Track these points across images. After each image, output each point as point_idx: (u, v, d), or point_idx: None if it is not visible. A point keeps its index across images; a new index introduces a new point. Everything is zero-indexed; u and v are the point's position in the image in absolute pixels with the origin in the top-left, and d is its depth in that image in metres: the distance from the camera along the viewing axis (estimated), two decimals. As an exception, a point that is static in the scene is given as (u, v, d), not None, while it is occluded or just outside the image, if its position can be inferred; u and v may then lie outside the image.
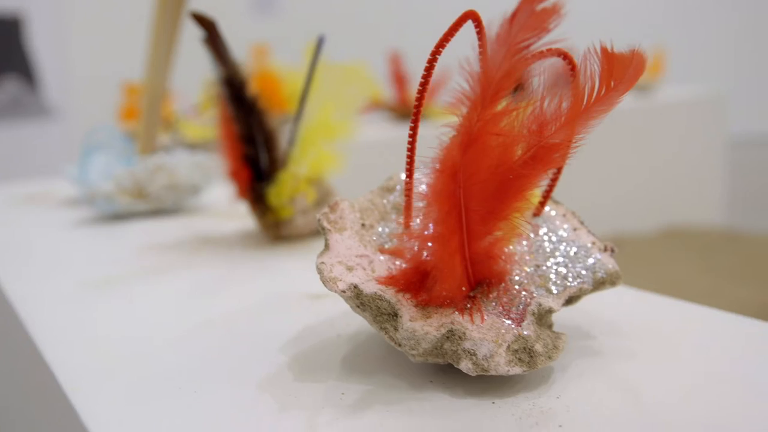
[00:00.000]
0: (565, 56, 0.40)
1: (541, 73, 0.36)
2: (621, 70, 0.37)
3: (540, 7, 0.32)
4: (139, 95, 1.35)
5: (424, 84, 0.38)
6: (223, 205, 0.91)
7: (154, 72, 0.93)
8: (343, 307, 0.51)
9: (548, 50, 0.38)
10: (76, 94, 3.12)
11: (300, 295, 0.55)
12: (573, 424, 0.34)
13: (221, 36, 0.66)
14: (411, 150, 0.40)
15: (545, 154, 0.37)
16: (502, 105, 0.34)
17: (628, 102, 2.57)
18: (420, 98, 0.39)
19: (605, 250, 0.43)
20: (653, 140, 2.58)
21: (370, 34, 3.71)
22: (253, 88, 0.68)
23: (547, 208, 0.46)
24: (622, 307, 0.50)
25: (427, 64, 0.38)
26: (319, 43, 0.67)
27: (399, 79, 2.14)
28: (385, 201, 0.45)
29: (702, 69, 4.43)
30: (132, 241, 0.78)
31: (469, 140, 0.34)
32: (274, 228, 0.71)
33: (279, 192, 0.69)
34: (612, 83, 0.37)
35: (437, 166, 0.35)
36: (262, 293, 0.57)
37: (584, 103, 0.37)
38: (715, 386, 0.38)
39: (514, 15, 0.32)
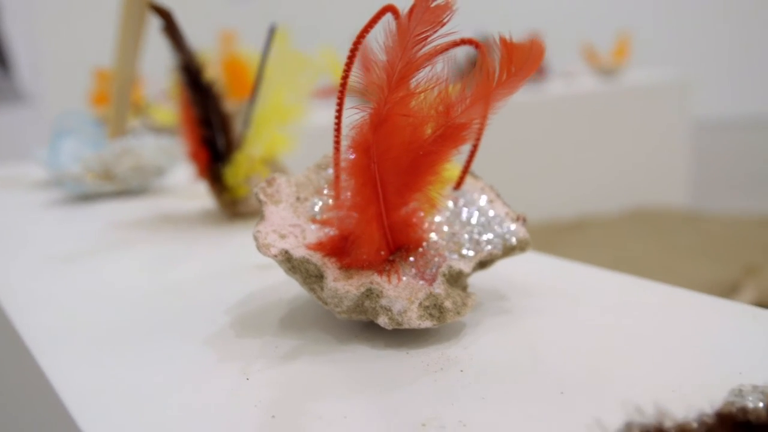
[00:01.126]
0: (476, 45, 0.45)
1: (448, 60, 0.41)
2: (520, 58, 0.42)
3: (434, 4, 0.37)
4: (109, 81, 1.38)
5: (347, 70, 0.43)
6: (185, 186, 0.96)
7: (123, 58, 0.97)
8: (287, 276, 0.56)
9: (462, 40, 0.43)
10: (49, 79, 3.13)
11: (250, 265, 0.60)
12: (472, 368, 0.39)
13: (178, 25, 0.71)
14: (338, 128, 0.44)
15: (453, 133, 0.42)
16: (408, 90, 0.39)
17: (594, 86, 2.63)
18: (344, 83, 0.43)
19: (517, 219, 0.48)
20: (619, 123, 2.64)
21: (339, 20, 3.75)
22: (209, 74, 0.73)
23: (467, 182, 0.50)
24: (539, 272, 0.55)
25: (349, 53, 0.43)
26: (270, 32, 0.71)
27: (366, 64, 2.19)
28: (319, 177, 0.50)
29: (667, 53, 4.49)
30: (99, 220, 0.82)
31: (378, 120, 0.39)
32: (231, 206, 0.76)
33: (235, 172, 0.74)
34: (512, 69, 0.42)
35: (352, 143, 0.40)
36: (216, 264, 0.62)
37: (487, 87, 0.41)
38: (609, 343, 0.43)
39: (411, 11, 0.37)
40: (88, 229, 0.79)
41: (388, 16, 0.40)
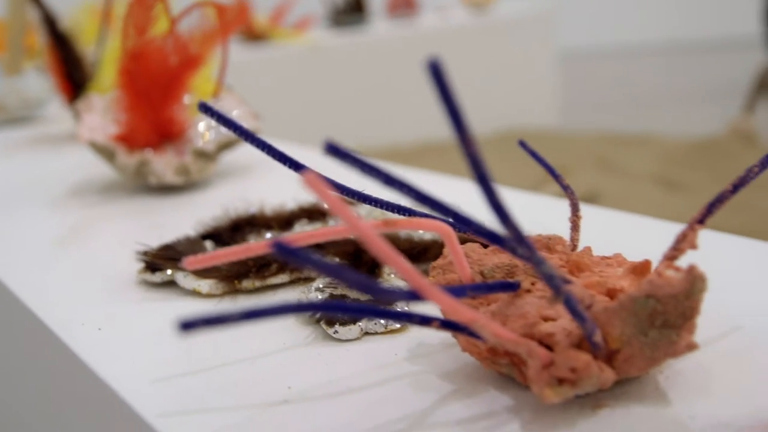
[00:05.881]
0: (210, 5, 0.70)
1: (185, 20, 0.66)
2: (231, 14, 0.68)
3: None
4: (4, 30, 1.58)
5: (125, 29, 0.68)
6: (59, 113, 1.19)
7: (14, 8, 1.19)
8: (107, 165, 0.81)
9: (197, 3, 0.69)
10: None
11: (90, 161, 0.85)
12: (206, 202, 0.66)
13: (35, -12, 0.94)
14: (123, 61, 0.69)
15: (191, 62, 0.67)
16: (151, 36, 0.64)
17: (465, 19, 2.89)
18: (124, 37, 0.68)
19: (252, 117, 0.74)
20: (491, 54, 2.91)
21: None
22: (62, 24, 0.96)
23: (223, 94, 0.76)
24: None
25: (124, 20, 0.67)
26: (107, -7, 0.95)
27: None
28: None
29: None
30: (-10, 142, 1.06)
31: (134, 55, 0.64)
32: (89, 125, 1.00)
33: (90, 99, 0.98)
34: (226, 21, 0.67)
35: (119, 69, 0.65)
36: (67, 163, 0.87)
37: (209, 32, 0.67)
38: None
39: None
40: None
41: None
